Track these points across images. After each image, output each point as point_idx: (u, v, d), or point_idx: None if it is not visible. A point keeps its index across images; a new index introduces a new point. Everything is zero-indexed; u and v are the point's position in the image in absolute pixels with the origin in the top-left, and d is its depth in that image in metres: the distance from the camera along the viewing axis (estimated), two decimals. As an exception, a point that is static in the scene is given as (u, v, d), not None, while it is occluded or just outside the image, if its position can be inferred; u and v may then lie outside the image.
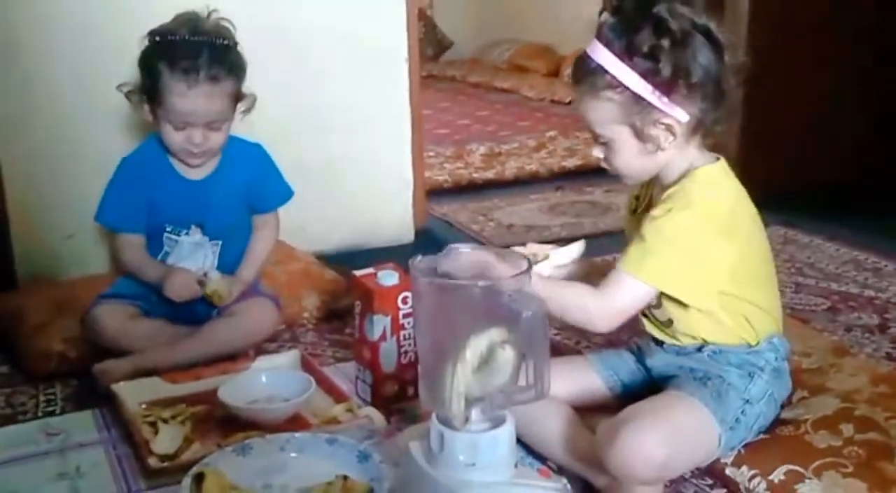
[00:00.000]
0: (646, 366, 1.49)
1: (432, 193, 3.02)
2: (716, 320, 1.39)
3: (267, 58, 1.92)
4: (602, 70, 1.31)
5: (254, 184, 1.90)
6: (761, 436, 1.41)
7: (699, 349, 1.41)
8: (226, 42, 1.76)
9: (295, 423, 1.52)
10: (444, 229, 2.83)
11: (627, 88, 1.30)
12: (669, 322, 1.42)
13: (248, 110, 1.84)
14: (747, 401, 1.36)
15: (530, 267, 1.17)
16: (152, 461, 1.41)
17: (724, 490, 1.38)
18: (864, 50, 3.02)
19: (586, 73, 1.33)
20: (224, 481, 1.26)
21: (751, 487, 1.34)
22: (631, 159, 1.37)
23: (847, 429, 1.40)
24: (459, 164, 3.63)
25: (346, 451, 1.36)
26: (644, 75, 1.29)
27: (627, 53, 1.29)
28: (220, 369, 1.70)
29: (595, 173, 3.45)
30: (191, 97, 1.72)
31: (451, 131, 4.43)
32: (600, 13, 1.35)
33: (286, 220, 2.01)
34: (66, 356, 1.81)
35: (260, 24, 2.20)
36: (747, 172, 3.08)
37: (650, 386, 1.46)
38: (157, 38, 1.75)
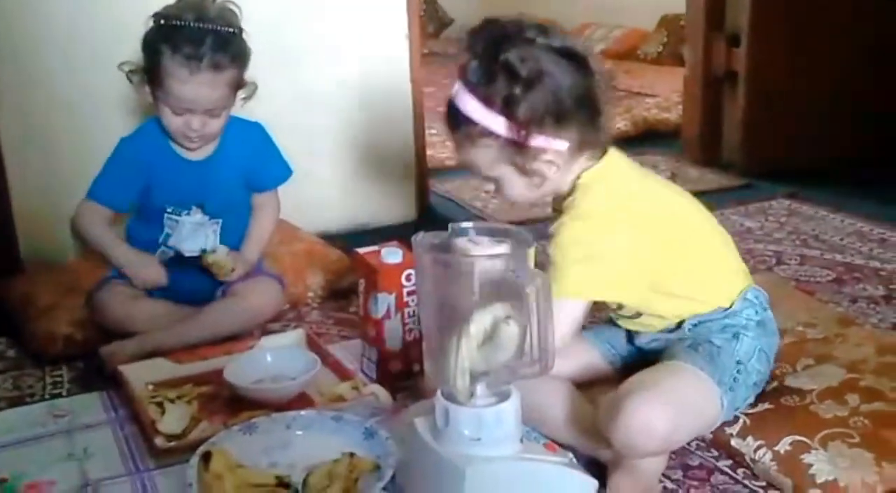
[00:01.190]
0: (635, 345, 1.51)
1: (435, 170, 3.01)
2: (677, 299, 1.40)
3: (268, 36, 1.90)
4: (472, 121, 1.32)
5: (253, 163, 1.89)
6: (767, 406, 1.41)
7: (678, 326, 1.42)
8: (231, 30, 1.75)
9: (301, 401, 1.53)
10: (447, 207, 2.82)
11: (500, 136, 1.31)
12: (638, 314, 1.44)
13: (248, 97, 1.83)
14: (739, 362, 1.37)
15: (532, 242, 1.17)
16: (159, 441, 1.42)
17: (730, 461, 1.38)
18: (870, 22, 2.99)
19: (459, 122, 1.34)
20: (231, 460, 1.26)
21: (756, 458, 1.34)
22: (521, 191, 1.39)
23: (853, 399, 1.40)
24: (462, 141, 3.61)
25: (352, 428, 1.36)
26: (510, 122, 1.30)
27: (489, 103, 1.30)
28: (225, 349, 1.70)
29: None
30: (192, 84, 1.71)
31: (453, 109, 4.40)
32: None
33: (289, 200, 2.00)
34: (72, 339, 1.81)
35: (260, 2, 2.18)
36: (753, 145, 3.11)
37: (644, 360, 1.46)
38: (162, 22, 1.73)
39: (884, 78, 3.04)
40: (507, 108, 1.29)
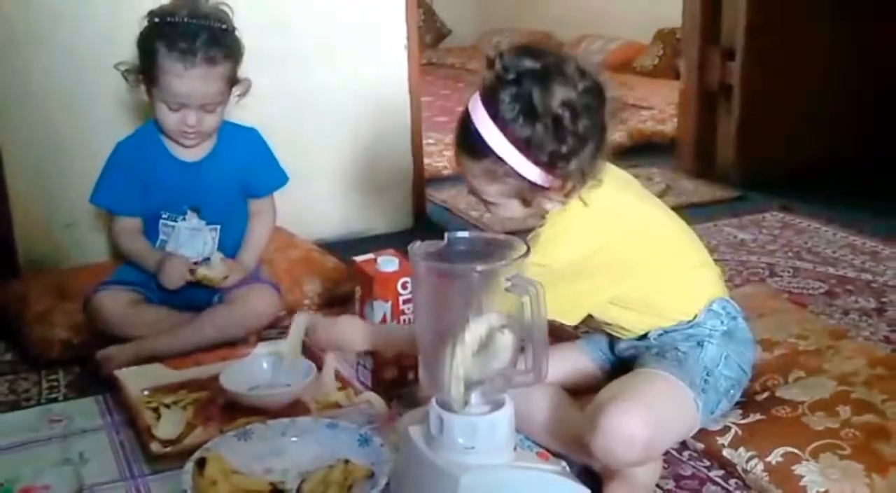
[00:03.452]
0: (614, 352, 1.53)
1: (432, 180, 3.02)
2: (638, 315, 1.42)
3: (266, 43, 1.92)
4: (500, 159, 1.30)
5: (249, 168, 1.90)
6: (759, 417, 1.42)
7: (645, 336, 1.44)
8: (224, 26, 1.77)
9: (296, 408, 1.53)
10: (444, 216, 2.83)
11: (524, 177, 1.31)
12: (607, 324, 1.47)
13: (243, 94, 1.85)
14: (705, 367, 1.38)
15: (528, 252, 1.18)
16: (154, 447, 1.42)
17: (722, 472, 1.39)
18: (862, 31, 3.01)
19: (483, 154, 1.31)
20: (226, 466, 1.27)
21: (748, 468, 1.35)
22: (516, 214, 1.40)
23: (844, 411, 1.41)
24: (459, 151, 3.61)
25: (347, 435, 1.37)
26: (547, 174, 1.30)
27: (527, 151, 1.28)
28: (221, 356, 1.71)
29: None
30: (187, 78, 1.72)
31: (450, 119, 4.40)
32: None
33: (286, 207, 2.01)
34: (69, 343, 1.82)
35: (259, 9, 2.20)
36: (747, 158, 3.12)
37: (624, 366, 1.47)
38: (157, 19, 1.76)
39: (878, 91, 3.06)
40: (550, 162, 1.29)
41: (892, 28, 3.03)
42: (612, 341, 1.53)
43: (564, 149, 1.28)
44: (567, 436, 1.39)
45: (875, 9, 2.99)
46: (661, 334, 1.42)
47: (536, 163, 1.30)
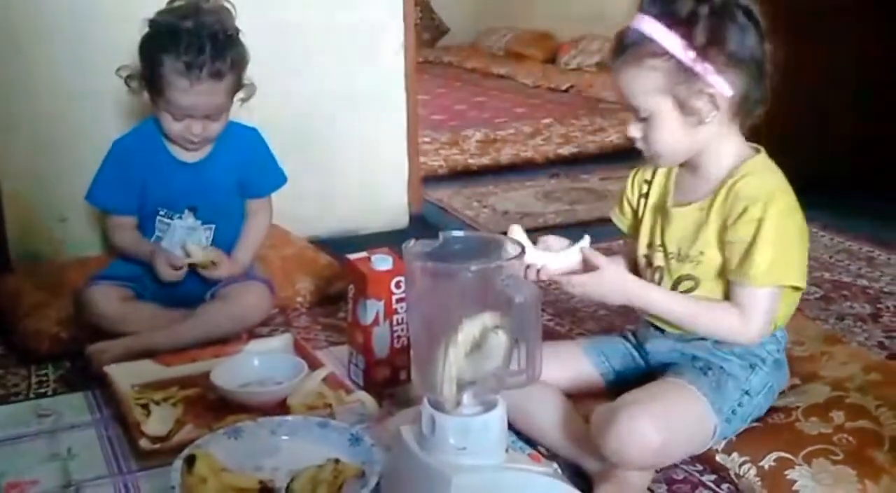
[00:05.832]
0: (644, 350, 1.49)
1: (428, 178, 3.01)
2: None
3: (263, 41, 1.91)
4: (645, 38, 1.29)
5: (248, 168, 1.89)
6: (752, 423, 1.41)
7: (703, 338, 1.40)
8: (229, 33, 1.74)
9: (287, 406, 1.52)
10: (439, 215, 2.83)
11: (672, 56, 1.28)
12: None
13: (247, 99, 1.84)
14: (746, 392, 1.37)
15: (524, 252, 1.17)
16: (144, 443, 1.41)
17: (715, 476, 1.38)
18: (863, 44, 3.01)
19: (628, 43, 1.31)
20: (215, 463, 1.26)
21: (741, 473, 1.34)
22: (672, 135, 1.34)
23: (838, 417, 1.41)
24: (455, 150, 3.62)
25: (338, 434, 1.36)
26: (685, 41, 1.28)
27: (668, 19, 1.28)
28: (212, 352, 1.70)
29: (590, 161, 3.48)
30: (192, 93, 1.71)
31: (447, 117, 4.42)
32: None
33: (281, 204, 2.00)
34: (59, 338, 1.81)
35: (256, 7, 2.19)
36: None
37: (644, 374, 1.46)
38: (159, 29, 1.72)
39: (873, 101, 3.06)
40: (686, 25, 1.27)
41: (885, 38, 3.03)
42: (638, 340, 1.49)
43: (704, 10, 1.27)
44: (567, 434, 1.38)
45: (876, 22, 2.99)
46: (719, 341, 1.38)
47: (676, 29, 1.27)
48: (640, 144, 1.38)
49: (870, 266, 2.30)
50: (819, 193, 2.86)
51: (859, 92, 3.05)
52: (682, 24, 1.28)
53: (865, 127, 3.06)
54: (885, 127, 3.09)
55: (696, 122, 1.32)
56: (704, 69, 1.29)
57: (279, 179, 1.94)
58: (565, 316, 1.97)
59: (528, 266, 1.34)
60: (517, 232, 1.35)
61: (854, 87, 3.04)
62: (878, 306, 2.05)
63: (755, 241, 1.30)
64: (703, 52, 1.28)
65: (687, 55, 1.28)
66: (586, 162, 3.42)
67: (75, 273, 1.97)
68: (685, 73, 1.29)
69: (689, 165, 1.41)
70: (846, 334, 1.87)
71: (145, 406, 1.51)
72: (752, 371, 1.38)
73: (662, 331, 1.44)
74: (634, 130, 1.36)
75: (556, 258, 1.40)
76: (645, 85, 1.31)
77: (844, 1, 2.93)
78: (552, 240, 1.43)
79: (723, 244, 1.35)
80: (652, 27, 1.29)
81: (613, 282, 1.37)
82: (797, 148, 2.99)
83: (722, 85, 1.30)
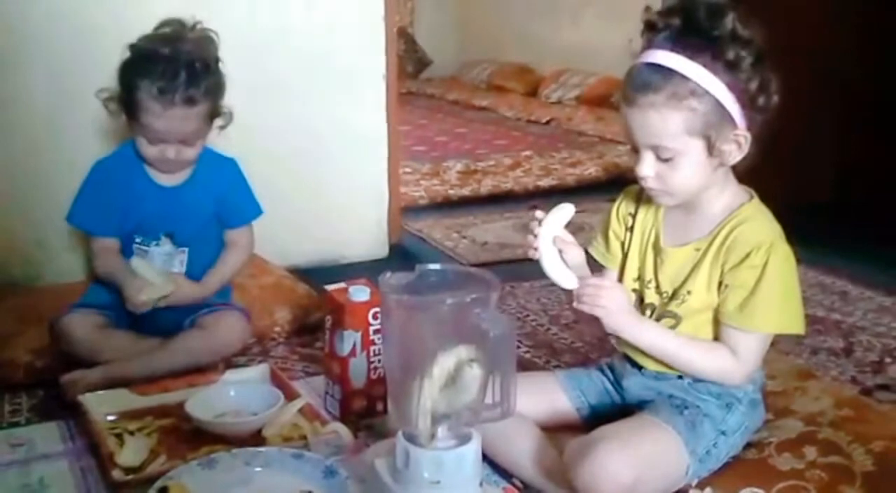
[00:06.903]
0: (620, 386, 1.49)
1: (408, 208, 3.03)
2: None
3: (245, 70, 1.92)
4: (684, 77, 1.26)
5: (224, 198, 1.90)
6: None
7: (680, 377, 1.41)
8: (206, 62, 1.76)
9: (262, 437, 1.52)
10: (419, 246, 2.83)
11: (713, 97, 1.27)
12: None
13: (225, 126, 1.85)
14: (722, 432, 1.37)
15: (497, 286, 1.18)
16: (116, 474, 1.40)
17: (688, 511, 1.39)
18: (847, 69, 3.05)
19: (662, 81, 1.27)
20: (188, 494, 1.25)
21: (714, 508, 1.35)
22: (693, 176, 1.32)
23: (810, 452, 1.42)
24: (436, 180, 3.64)
25: (312, 466, 1.36)
26: (729, 85, 1.27)
27: (711, 61, 1.26)
28: (188, 382, 1.69)
29: (569, 193, 3.51)
30: (165, 118, 1.73)
31: (428, 148, 4.45)
32: (647, 28, 1.33)
33: (260, 233, 2.00)
34: (33, 366, 1.79)
35: (239, 36, 2.20)
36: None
37: (619, 409, 1.46)
38: (138, 54, 1.74)
39: (853, 130, 3.11)
40: (730, 68, 1.26)
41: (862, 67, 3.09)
42: (615, 375, 1.49)
43: (744, 53, 1.26)
44: (541, 467, 1.38)
45: (859, 46, 3.04)
46: (697, 380, 1.39)
47: (717, 72, 1.26)
48: (651, 183, 1.35)
49: (843, 301, 2.33)
50: (792, 226, 2.90)
51: (839, 126, 3.09)
52: (728, 67, 1.27)
53: (845, 162, 3.10)
54: (860, 163, 3.13)
55: (717, 163, 1.33)
56: (741, 112, 1.29)
57: (255, 211, 1.94)
58: (542, 348, 1.98)
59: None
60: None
61: (838, 120, 3.08)
62: (851, 340, 2.07)
63: (758, 287, 1.32)
64: (744, 97, 1.28)
65: (728, 97, 1.27)
66: (565, 194, 3.45)
67: (50, 300, 1.95)
68: (722, 115, 1.28)
69: (684, 204, 1.40)
70: (819, 369, 1.88)
71: (119, 436, 1.50)
72: (728, 411, 1.39)
73: (640, 368, 1.45)
74: (647, 169, 1.32)
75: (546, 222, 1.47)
76: (676, 126, 1.28)
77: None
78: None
79: (714, 286, 1.36)
80: (689, 67, 1.26)
81: (621, 306, 1.36)
82: (773, 183, 3.03)
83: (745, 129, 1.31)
